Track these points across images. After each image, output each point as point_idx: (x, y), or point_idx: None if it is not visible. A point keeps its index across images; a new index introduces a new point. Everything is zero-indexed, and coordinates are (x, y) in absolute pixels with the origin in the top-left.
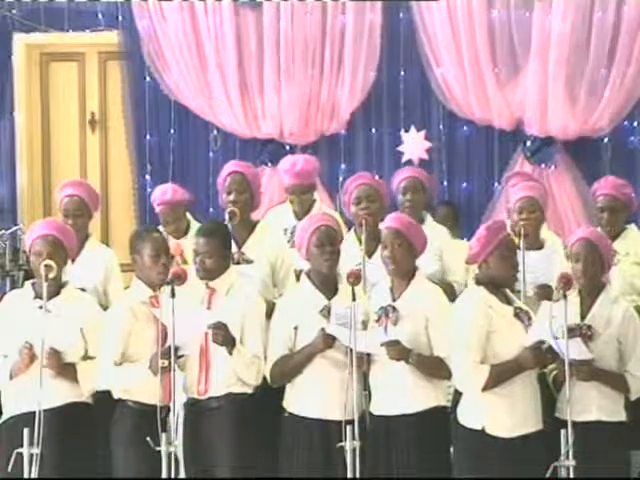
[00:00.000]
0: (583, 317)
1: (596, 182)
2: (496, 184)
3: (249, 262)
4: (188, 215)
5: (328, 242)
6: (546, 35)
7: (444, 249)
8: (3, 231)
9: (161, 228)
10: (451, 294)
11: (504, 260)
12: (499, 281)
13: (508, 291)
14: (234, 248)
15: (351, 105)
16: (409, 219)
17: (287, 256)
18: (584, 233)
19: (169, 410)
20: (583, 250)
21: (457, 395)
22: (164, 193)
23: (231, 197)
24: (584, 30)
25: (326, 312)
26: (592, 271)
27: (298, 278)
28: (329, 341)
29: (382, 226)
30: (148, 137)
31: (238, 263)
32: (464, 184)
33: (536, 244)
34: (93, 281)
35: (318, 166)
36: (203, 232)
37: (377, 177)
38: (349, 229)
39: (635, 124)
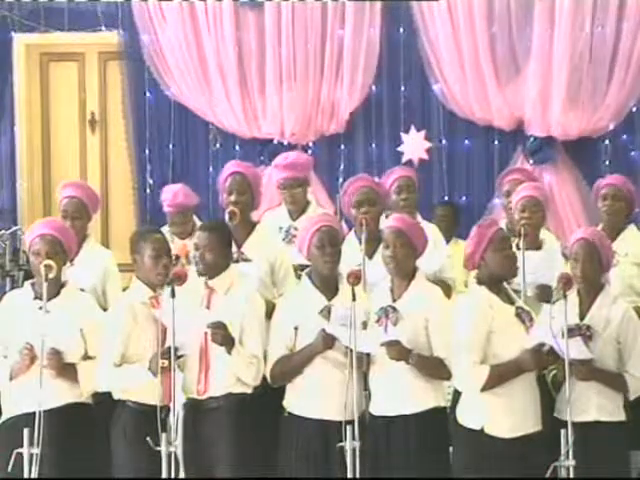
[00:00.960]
0: (582, 317)
1: (598, 180)
2: (496, 184)
3: (248, 262)
4: (194, 217)
5: (329, 243)
6: (547, 35)
7: (437, 247)
8: (3, 231)
9: (166, 228)
10: (447, 292)
11: (499, 253)
12: (499, 276)
13: (510, 290)
14: (234, 248)
15: (351, 105)
16: (411, 219)
17: (286, 256)
18: (583, 233)
19: (169, 410)
20: (582, 251)
21: (456, 395)
22: (176, 196)
23: (232, 197)
24: (585, 31)
25: (326, 312)
26: (591, 272)
27: (298, 275)
28: (329, 341)
29: (383, 226)
30: (148, 137)
31: (237, 262)
32: (464, 184)
33: (535, 244)
34: (91, 282)
35: (311, 162)
36: (204, 227)
37: (376, 178)
38: (349, 230)
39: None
